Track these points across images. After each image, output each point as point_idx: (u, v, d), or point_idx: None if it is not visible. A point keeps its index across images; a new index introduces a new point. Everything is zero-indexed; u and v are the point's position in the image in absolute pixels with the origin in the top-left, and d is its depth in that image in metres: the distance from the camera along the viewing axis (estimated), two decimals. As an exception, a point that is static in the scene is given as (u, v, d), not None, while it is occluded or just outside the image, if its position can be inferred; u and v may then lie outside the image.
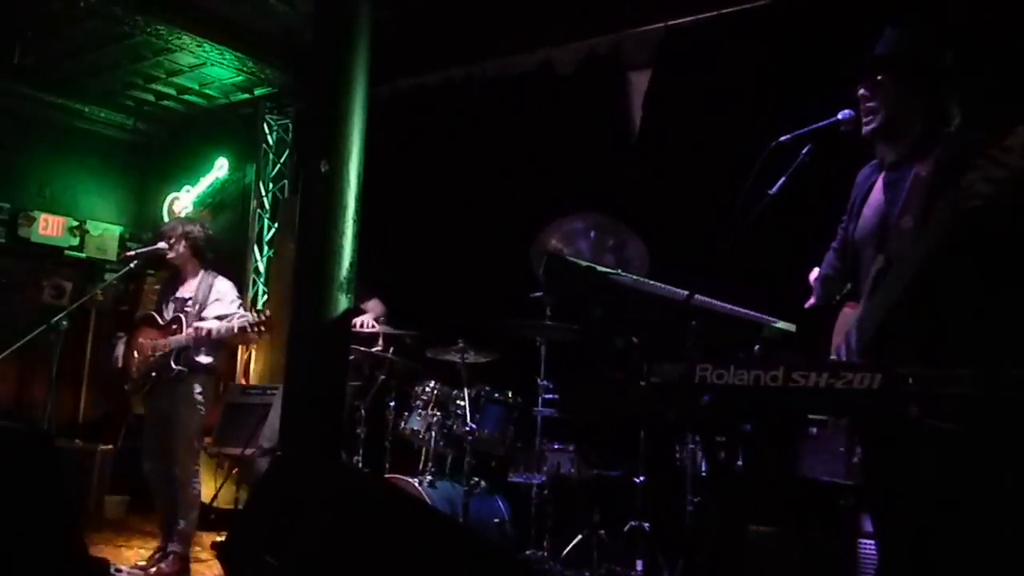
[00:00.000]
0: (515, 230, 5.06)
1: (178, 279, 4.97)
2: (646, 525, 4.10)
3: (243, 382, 7.36)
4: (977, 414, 2.11)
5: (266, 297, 7.81)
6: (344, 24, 3.45)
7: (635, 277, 2.88)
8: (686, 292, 2.79)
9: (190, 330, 4.71)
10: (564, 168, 5.59)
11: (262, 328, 4.55)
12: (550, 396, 4.50)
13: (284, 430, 3.34)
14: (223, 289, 4.94)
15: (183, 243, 4.93)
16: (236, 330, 4.61)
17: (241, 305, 5.03)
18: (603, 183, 5.31)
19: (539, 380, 4.51)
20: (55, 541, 2.99)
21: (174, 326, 4.82)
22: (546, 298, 4.18)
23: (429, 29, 6.26)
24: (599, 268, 3.68)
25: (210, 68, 7.31)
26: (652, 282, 2.90)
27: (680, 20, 5.52)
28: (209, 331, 4.66)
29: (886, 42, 2.74)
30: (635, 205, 5.03)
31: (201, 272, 4.97)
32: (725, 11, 5.32)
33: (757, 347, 3.21)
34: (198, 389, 4.76)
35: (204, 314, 4.81)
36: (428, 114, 6.49)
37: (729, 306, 3.08)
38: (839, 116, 2.86)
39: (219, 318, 4.76)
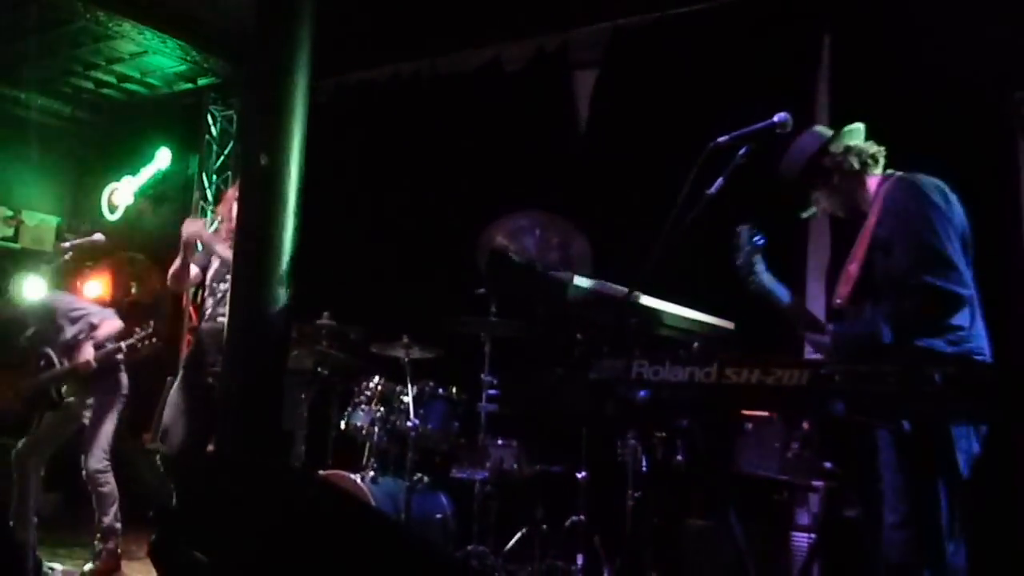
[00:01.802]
0: (461, 226, 5.10)
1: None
2: (587, 520, 4.16)
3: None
4: (899, 411, 2.21)
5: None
6: (287, 14, 3.43)
7: (574, 275, 2.93)
8: (626, 290, 2.85)
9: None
10: (511, 165, 5.63)
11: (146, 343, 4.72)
12: (494, 392, 4.52)
13: (222, 426, 3.32)
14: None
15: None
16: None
17: None
18: (549, 181, 5.37)
19: (483, 376, 4.53)
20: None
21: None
22: (490, 294, 4.21)
23: (376, 23, 6.25)
24: (539, 266, 3.72)
25: (152, 57, 7.21)
26: (592, 280, 2.95)
27: (627, 20, 5.60)
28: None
29: (787, 164, 2.99)
30: (580, 203, 5.11)
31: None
32: (672, 12, 5.41)
33: (696, 344, 3.28)
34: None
35: None
36: (375, 109, 6.50)
37: (669, 304, 3.15)
38: (775, 119, 2.95)
39: None
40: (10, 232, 8.18)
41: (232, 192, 4.69)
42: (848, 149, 2.97)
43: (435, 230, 5.77)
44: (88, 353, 4.73)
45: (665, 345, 3.31)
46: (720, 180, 2.90)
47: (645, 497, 3.92)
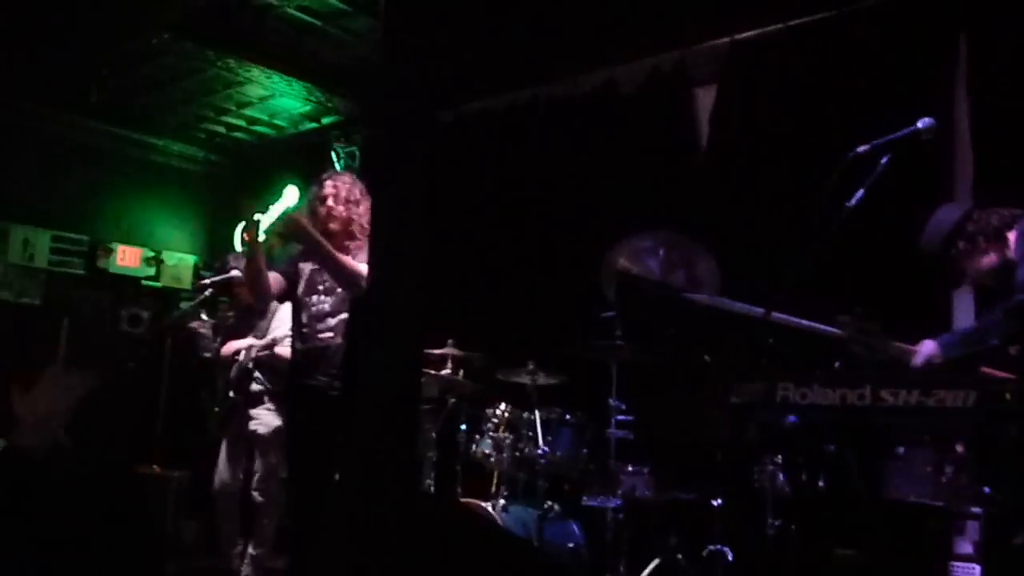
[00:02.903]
0: (583, 250, 5.07)
1: (253, 308, 5.08)
2: (725, 550, 4.01)
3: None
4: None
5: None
6: (411, 51, 3.46)
7: (709, 296, 2.84)
8: (763, 309, 2.73)
9: (248, 354, 4.86)
10: (631, 186, 5.57)
11: (263, 354, 4.69)
12: (623, 417, 4.45)
13: (351, 455, 3.35)
14: (284, 315, 5.05)
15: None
16: (244, 357, 4.76)
17: None
18: (671, 201, 5.29)
19: (611, 401, 4.47)
20: (139, 569, 3.05)
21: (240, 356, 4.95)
22: (620, 318, 4.14)
23: (492, 53, 6.30)
24: (671, 287, 3.64)
25: (279, 99, 7.49)
26: (728, 300, 2.85)
27: (745, 34, 5.46)
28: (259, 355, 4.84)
29: (931, 235, 2.88)
30: (704, 222, 4.98)
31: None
32: (791, 23, 5.25)
33: (837, 364, 3.13)
34: (270, 416, 4.87)
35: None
36: (493, 137, 6.54)
37: (807, 322, 3.01)
38: (919, 124, 2.81)
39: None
40: (152, 271, 8.63)
41: (331, 189, 4.18)
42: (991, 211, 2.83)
43: (557, 255, 5.74)
44: None
45: (805, 365, 3.17)
46: (861, 191, 2.77)
47: (786, 525, 3.75)
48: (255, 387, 4.89)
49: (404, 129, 3.48)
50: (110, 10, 6.07)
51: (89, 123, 8.04)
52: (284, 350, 4.82)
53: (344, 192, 4.05)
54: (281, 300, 4.10)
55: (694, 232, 4.52)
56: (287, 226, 3.74)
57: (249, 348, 4.94)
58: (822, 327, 3.09)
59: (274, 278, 4.06)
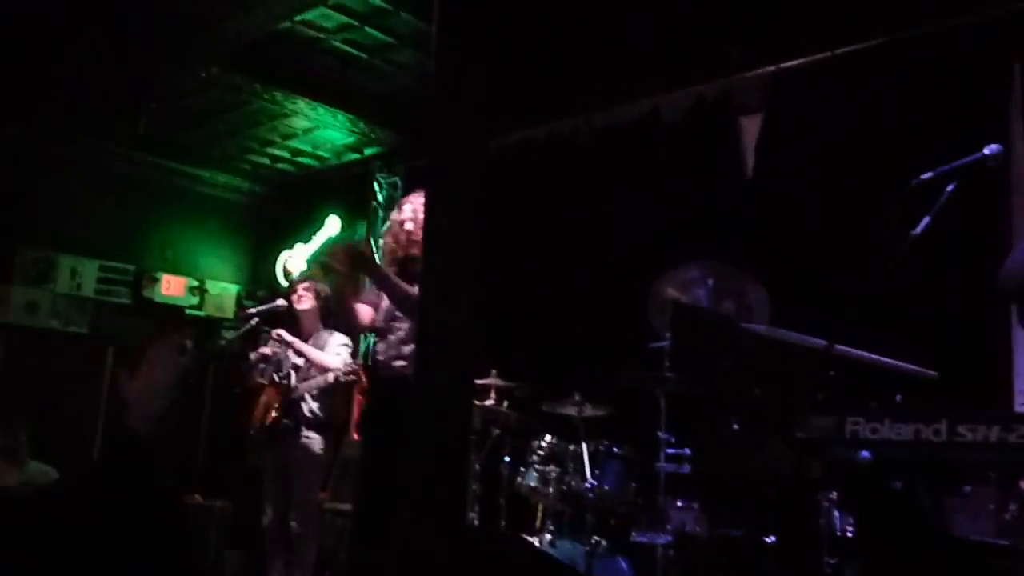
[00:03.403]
0: (629, 281, 5.02)
1: (298, 336, 5.07)
2: (781, 588, 3.89)
3: (356, 436, 7.42)
4: None
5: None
6: (465, 80, 3.44)
7: (768, 327, 2.77)
8: (824, 341, 2.65)
9: (296, 384, 4.84)
10: (677, 216, 5.53)
11: (351, 377, 4.63)
12: (672, 450, 4.37)
13: (408, 488, 3.29)
14: (331, 342, 5.05)
15: (314, 299, 5.07)
16: (331, 380, 4.72)
17: (351, 353, 5.12)
18: (718, 230, 5.22)
19: (660, 434, 4.38)
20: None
21: (286, 382, 4.93)
22: (674, 348, 4.08)
23: (533, 82, 6.31)
24: (729, 317, 3.57)
25: (323, 131, 7.56)
26: (786, 331, 2.78)
27: (791, 63, 5.41)
28: (307, 386, 4.82)
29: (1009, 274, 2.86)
30: (753, 251, 4.92)
31: (319, 329, 5.09)
32: (838, 52, 5.19)
33: (899, 397, 3.02)
34: (316, 443, 4.84)
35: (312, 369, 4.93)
36: (535, 166, 6.52)
37: (870, 354, 2.92)
38: (985, 151, 2.72)
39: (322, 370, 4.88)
40: (195, 300, 8.68)
41: (411, 212, 4.06)
42: None
43: (603, 285, 5.69)
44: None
45: (865, 399, 3.07)
46: (927, 220, 2.68)
47: (844, 565, 3.62)
48: (305, 413, 4.87)
49: (459, 159, 3.45)
50: (159, 43, 6.17)
51: (136, 155, 8.18)
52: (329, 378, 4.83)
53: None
54: (372, 331, 4.04)
55: (742, 261, 4.46)
56: (344, 255, 3.69)
57: (304, 377, 4.93)
58: (886, 360, 2.99)
59: (364, 309, 4.02)
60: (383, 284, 3.73)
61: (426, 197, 2.64)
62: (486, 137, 3.88)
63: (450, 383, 3.16)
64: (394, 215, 4.14)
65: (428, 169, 3.01)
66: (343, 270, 3.76)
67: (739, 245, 5.00)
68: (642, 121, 6.04)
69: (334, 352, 5.00)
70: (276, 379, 5.04)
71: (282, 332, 4.94)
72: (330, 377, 4.76)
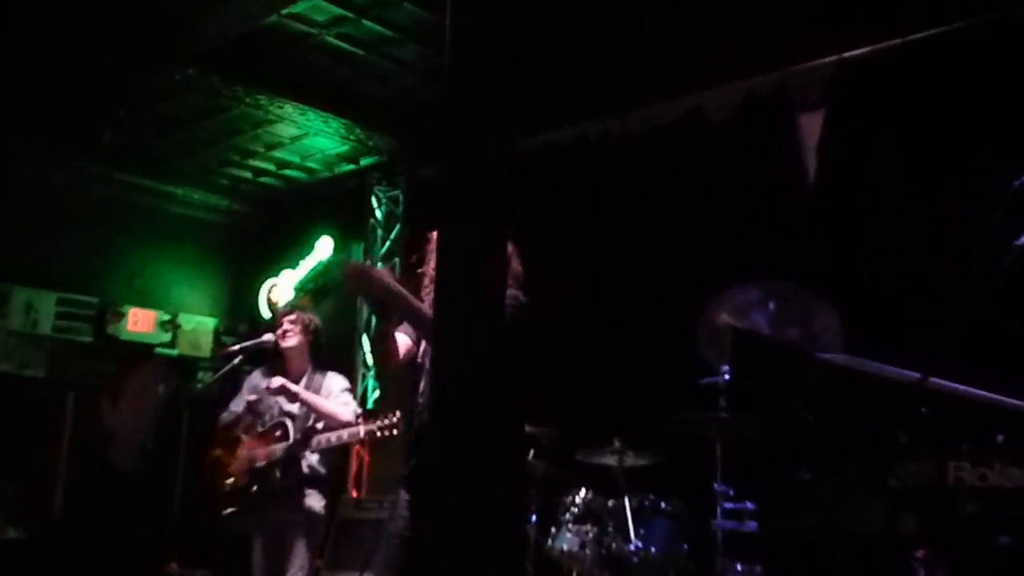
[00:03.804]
0: (676, 306, 5.02)
1: (283, 375, 5.02)
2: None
3: (355, 494, 7.38)
4: None
5: (377, 393, 7.87)
6: (484, 78, 3.43)
7: (848, 356, 2.73)
8: (917, 374, 2.60)
9: (298, 437, 4.79)
10: (729, 231, 5.50)
11: (388, 432, 4.55)
12: (732, 505, 4.34)
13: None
14: (331, 386, 5.01)
15: (302, 334, 5.04)
16: (361, 436, 4.66)
17: (353, 399, 5.09)
18: (778, 245, 5.19)
19: (716, 486, 4.37)
20: None
21: (277, 432, 4.89)
22: (736, 384, 4.06)
23: (558, 79, 6.31)
24: (801, 346, 3.53)
25: (313, 139, 7.61)
26: (870, 362, 2.73)
27: (855, 52, 5.40)
28: (318, 441, 4.77)
29: None
30: (819, 269, 4.88)
31: (309, 369, 5.06)
32: (909, 38, 5.17)
33: (1000, 437, 2.96)
34: (316, 502, 4.81)
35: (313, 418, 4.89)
36: (560, 176, 6.50)
37: (968, 388, 2.86)
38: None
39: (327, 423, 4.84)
40: (167, 337, 8.69)
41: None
42: None
43: (644, 312, 5.66)
44: None
45: (960, 440, 3.02)
46: (1033, 227, 2.64)
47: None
48: (303, 469, 4.83)
49: (479, 167, 3.43)
50: (127, 42, 6.23)
51: (100, 170, 8.23)
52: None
53: None
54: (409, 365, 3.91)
55: (808, 281, 4.41)
56: (349, 279, 3.62)
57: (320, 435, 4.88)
58: (988, 395, 2.94)
59: (401, 341, 3.85)
60: (405, 311, 3.62)
61: (444, 212, 2.59)
62: (508, 140, 3.86)
63: (479, 435, 3.11)
64: (431, 235, 3.86)
65: (439, 179, 2.97)
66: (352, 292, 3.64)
67: (803, 262, 4.97)
68: (684, 121, 6.01)
69: (341, 401, 4.97)
70: (260, 429, 5.01)
71: (285, 382, 4.86)
72: (360, 432, 4.70)
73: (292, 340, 5.06)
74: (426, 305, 3.54)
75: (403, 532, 3.53)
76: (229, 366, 5.42)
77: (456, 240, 3.26)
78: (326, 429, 4.87)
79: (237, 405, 5.20)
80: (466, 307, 3.22)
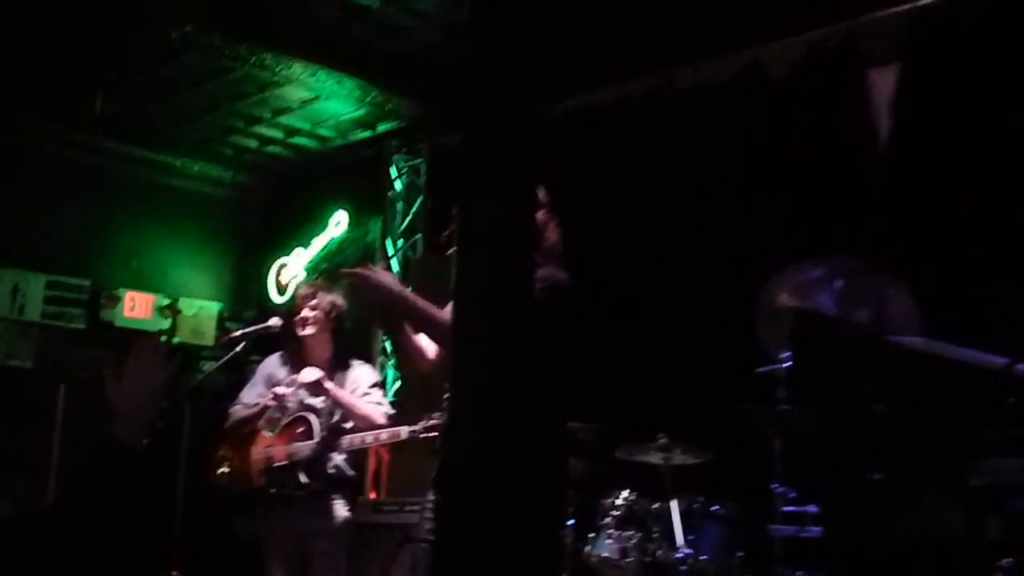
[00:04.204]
0: (729, 286, 5.02)
1: (299, 365, 5.02)
2: None
3: (373, 495, 7.41)
4: None
5: (398, 384, 7.90)
6: (510, 32, 3.38)
7: (926, 340, 2.68)
8: (1005, 359, 2.55)
9: (325, 435, 4.78)
10: (789, 200, 5.48)
11: (431, 435, 4.52)
12: (792, 508, 4.33)
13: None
14: (359, 380, 5.01)
15: (325, 319, 4.99)
16: (404, 437, 4.66)
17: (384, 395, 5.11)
18: (845, 217, 5.17)
19: (774, 487, 4.37)
20: None
21: (299, 428, 4.89)
22: (798, 372, 4.04)
23: (597, 32, 6.27)
24: (871, 328, 3.49)
25: (324, 102, 7.62)
26: (952, 346, 2.68)
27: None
28: (351, 442, 4.78)
29: None
30: (892, 244, 4.86)
31: (330, 359, 5.03)
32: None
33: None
34: (342, 507, 4.84)
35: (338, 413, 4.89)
36: (600, 140, 6.46)
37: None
38: None
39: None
40: (166, 323, 8.74)
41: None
42: None
43: (693, 292, 5.65)
44: None
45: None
46: None
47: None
48: (328, 470, 4.84)
49: (502, 133, 3.40)
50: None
51: (91, 139, 8.29)
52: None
53: None
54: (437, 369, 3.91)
55: (879, 257, 4.40)
56: (352, 282, 3.60)
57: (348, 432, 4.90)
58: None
59: (424, 345, 3.88)
60: (409, 314, 3.61)
61: (461, 185, 2.57)
62: (537, 102, 3.83)
63: (506, 429, 3.09)
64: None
65: (460, 147, 2.93)
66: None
67: (874, 236, 4.95)
68: (739, 79, 5.97)
69: (373, 400, 4.96)
70: (280, 424, 5.00)
71: (321, 377, 4.80)
72: (401, 434, 4.68)
73: (312, 328, 5.01)
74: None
75: (428, 536, 3.56)
76: (231, 354, 5.43)
77: (476, 216, 3.24)
78: (354, 428, 4.88)
79: (250, 396, 5.16)
80: (489, 288, 3.20)
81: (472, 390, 3.12)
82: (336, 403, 4.84)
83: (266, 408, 5.00)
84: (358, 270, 3.55)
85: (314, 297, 5.04)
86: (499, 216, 3.32)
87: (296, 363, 5.05)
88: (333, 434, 4.86)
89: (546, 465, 3.45)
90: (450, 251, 3.73)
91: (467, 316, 3.26)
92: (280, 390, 4.95)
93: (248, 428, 5.08)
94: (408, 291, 3.73)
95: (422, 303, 3.53)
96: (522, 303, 3.21)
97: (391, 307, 3.58)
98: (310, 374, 4.84)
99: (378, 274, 3.61)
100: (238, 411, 5.15)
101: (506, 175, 3.33)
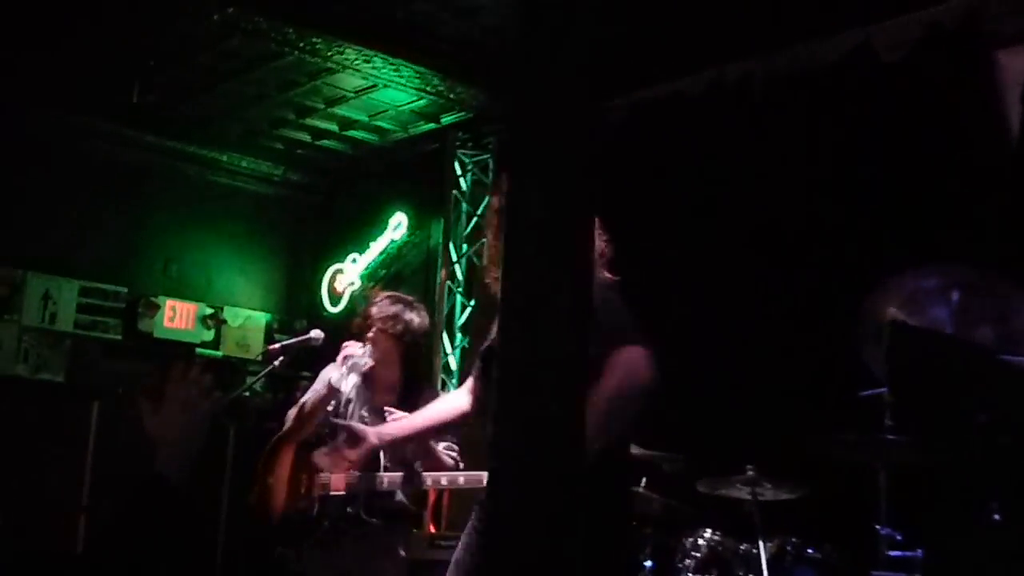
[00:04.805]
0: (828, 297, 5.01)
1: (369, 386, 4.96)
2: None
3: (432, 529, 7.40)
4: None
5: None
6: (563, 17, 3.31)
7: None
8: None
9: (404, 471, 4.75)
10: (901, 200, 5.42)
11: None
12: (898, 553, 4.24)
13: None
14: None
15: (395, 333, 4.86)
16: (463, 483, 4.64)
17: None
18: (966, 220, 5.08)
19: (879, 527, 4.28)
20: None
21: (353, 449, 4.88)
22: (893, 397, 3.94)
23: (683, 12, 6.23)
24: (982, 347, 3.39)
25: (382, 91, 7.66)
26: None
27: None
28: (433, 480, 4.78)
29: None
30: (1018, 251, 4.74)
31: (398, 384, 4.96)
32: None
33: None
34: (399, 541, 4.84)
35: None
36: (684, 133, 6.44)
37: None
38: None
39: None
40: (210, 335, 8.85)
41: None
42: None
43: (785, 305, 5.61)
44: None
45: None
46: None
47: None
48: (395, 505, 4.83)
49: (553, 130, 3.33)
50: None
51: (128, 133, 8.45)
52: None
53: None
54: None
55: (1005, 266, 4.30)
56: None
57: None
58: None
59: (454, 400, 4.08)
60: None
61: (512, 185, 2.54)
62: (597, 93, 3.78)
63: (556, 456, 3.03)
64: (493, 202, 4.11)
65: (509, 143, 2.90)
66: None
67: (999, 243, 4.86)
68: (846, 62, 5.89)
69: (449, 451, 4.97)
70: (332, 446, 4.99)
71: (393, 411, 4.75)
72: (485, 480, 4.65)
73: (379, 352, 4.92)
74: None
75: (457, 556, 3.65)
76: (268, 368, 5.45)
77: (524, 219, 3.17)
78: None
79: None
80: (537, 299, 3.12)
81: (520, 410, 3.05)
82: (422, 449, 4.77)
83: (331, 393, 4.89)
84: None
85: (388, 306, 4.91)
86: (550, 220, 3.24)
87: (365, 384, 4.98)
88: (406, 468, 4.80)
89: (603, 496, 3.41)
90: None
91: (512, 328, 3.19)
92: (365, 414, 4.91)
93: (306, 451, 5.05)
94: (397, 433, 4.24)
95: (409, 429, 4.12)
96: (576, 314, 3.12)
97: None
98: (396, 413, 4.75)
99: (368, 439, 4.14)
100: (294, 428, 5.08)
101: (560, 174, 3.25)
